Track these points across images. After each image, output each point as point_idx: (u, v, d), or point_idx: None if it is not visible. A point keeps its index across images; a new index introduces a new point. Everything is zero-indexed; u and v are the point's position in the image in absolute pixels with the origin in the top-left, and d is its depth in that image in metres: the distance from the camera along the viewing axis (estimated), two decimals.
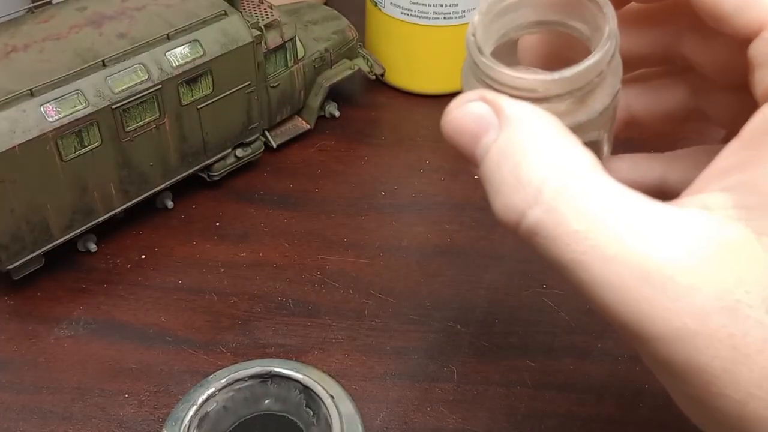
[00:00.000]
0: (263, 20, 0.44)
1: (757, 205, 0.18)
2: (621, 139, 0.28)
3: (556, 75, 0.21)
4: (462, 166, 0.23)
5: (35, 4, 0.40)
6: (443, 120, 0.22)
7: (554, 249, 0.19)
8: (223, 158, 0.45)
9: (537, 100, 0.21)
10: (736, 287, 0.18)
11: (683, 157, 0.23)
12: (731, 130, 0.22)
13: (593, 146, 0.24)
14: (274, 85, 0.45)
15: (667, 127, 0.28)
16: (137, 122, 0.39)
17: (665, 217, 0.19)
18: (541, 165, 0.20)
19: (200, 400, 0.27)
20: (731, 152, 0.20)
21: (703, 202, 0.19)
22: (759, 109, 0.19)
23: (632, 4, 0.25)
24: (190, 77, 0.40)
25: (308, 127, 0.49)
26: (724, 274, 0.18)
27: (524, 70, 0.25)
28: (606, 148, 0.25)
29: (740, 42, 0.20)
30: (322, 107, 0.49)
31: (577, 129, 0.22)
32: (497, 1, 0.24)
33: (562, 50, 0.24)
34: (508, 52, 0.25)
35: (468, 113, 0.21)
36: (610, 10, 0.22)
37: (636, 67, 0.27)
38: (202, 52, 0.40)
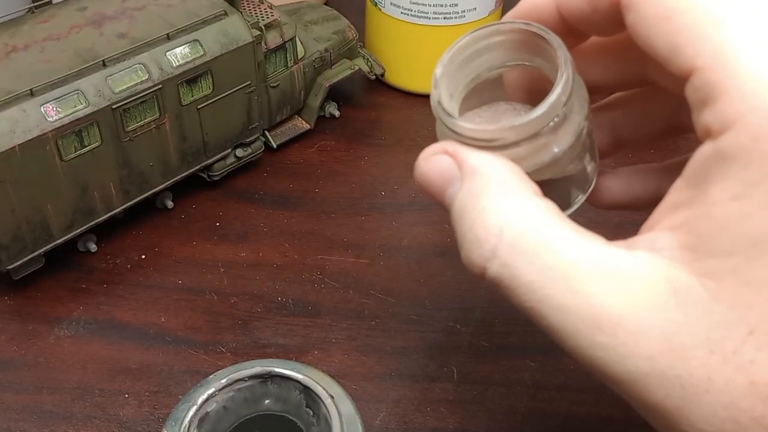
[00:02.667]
0: (263, 20, 0.44)
1: (698, 247, 0.19)
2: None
3: (507, 124, 0.22)
4: None
5: (35, 4, 0.41)
6: (414, 171, 0.24)
7: (514, 299, 0.21)
8: (223, 158, 0.45)
9: (497, 148, 0.22)
10: (680, 330, 0.19)
11: (678, 168, 0.24)
12: None
13: (573, 178, 0.25)
14: (274, 85, 0.45)
15: (656, 143, 0.28)
16: (137, 122, 0.39)
17: (614, 265, 0.20)
18: (496, 220, 0.21)
19: (200, 400, 0.27)
20: (678, 189, 0.21)
21: (651, 243, 0.20)
22: (698, 149, 0.20)
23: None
24: (191, 77, 0.40)
25: (308, 127, 0.49)
26: (669, 317, 0.19)
27: (497, 109, 0.26)
28: (591, 172, 0.26)
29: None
30: (322, 107, 0.49)
31: (545, 169, 0.23)
32: (459, 51, 0.24)
33: (544, 82, 0.25)
34: (492, 87, 0.26)
35: (433, 167, 0.23)
36: (563, 53, 0.22)
37: (613, 92, 0.28)
38: (202, 52, 0.40)
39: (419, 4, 0.49)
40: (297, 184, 0.46)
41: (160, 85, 0.38)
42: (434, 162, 0.23)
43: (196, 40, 0.40)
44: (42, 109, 0.35)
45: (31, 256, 0.38)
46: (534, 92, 0.25)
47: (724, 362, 0.18)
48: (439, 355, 0.37)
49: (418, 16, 0.49)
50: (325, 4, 0.56)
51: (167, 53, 0.39)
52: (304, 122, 0.49)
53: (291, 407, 0.28)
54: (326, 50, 0.49)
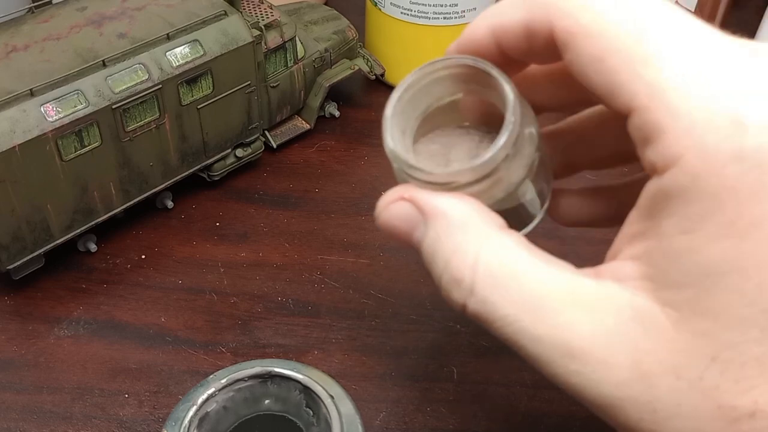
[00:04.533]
0: (263, 20, 0.44)
1: (657, 278, 0.20)
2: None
3: (458, 168, 0.22)
4: None
5: (35, 4, 0.41)
6: (376, 220, 0.24)
7: (494, 331, 0.22)
8: (223, 158, 0.45)
9: (453, 189, 0.23)
10: (648, 357, 0.19)
11: (634, 188, 0.24)
12: None
13: (529, 203, 0.25)
14: (274, 85, 0.45)
15: (609, 167, 0.29)
16: (137, 122, 0.39)
17: (583, 294, 0.21)
18: (469, 259, 0.22)
19: (200, 400, 0.27)
20: (634, 220, 0.21)
21: (616, 272, 0.21)
22: (647, 183, 0.20)
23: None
24: (190, 77, 0.40)
25: (308, 127, 0.49)
26: (637, 345, 0.20)
27: (451, 135, 0.26)
28: (546, 193, 0.26)
29: None
30: (322, 107, 0.49)
31: (501, 201, 0.23)
32: (407, 90, 0.24)
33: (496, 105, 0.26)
34: (445, 111, 0.26)
35: (394, 215, 0.24)
36: (509, 93, 0.22)
37: (565, 111, 0.28)
38: (202, 52, 0.40)
39: (419, 4, 0.49)
40: (297, 184, 0.46)
41: (160, 85, 0.38)
42: (394, 210, 0.24)
43: (196, 40, 0.40)
44: (42, 109, 0.35)
45: (31, 256, 0.38)
46: (486, 114, 0.26)
47: (691, 388, 0.19)
48: (439, 355, 0.37)
49: (418, 16, 0.49)
50: (325, 4, 0.56)
51: (167, 53, 0.39)
52: (304, 122, 0.49)
53: (291, 407, 0.28)
54: (326, 50, 0.49)
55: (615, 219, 0.25)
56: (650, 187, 0.20)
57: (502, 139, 0.22)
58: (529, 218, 0.26)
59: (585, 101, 0.27)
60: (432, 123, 0.26)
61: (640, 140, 0.20)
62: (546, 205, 0.27)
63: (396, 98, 0.24)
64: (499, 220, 0.23)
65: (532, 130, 0.24)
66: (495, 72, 0.23)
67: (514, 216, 0.25)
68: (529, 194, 0.25)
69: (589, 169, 0.30)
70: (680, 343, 0.19)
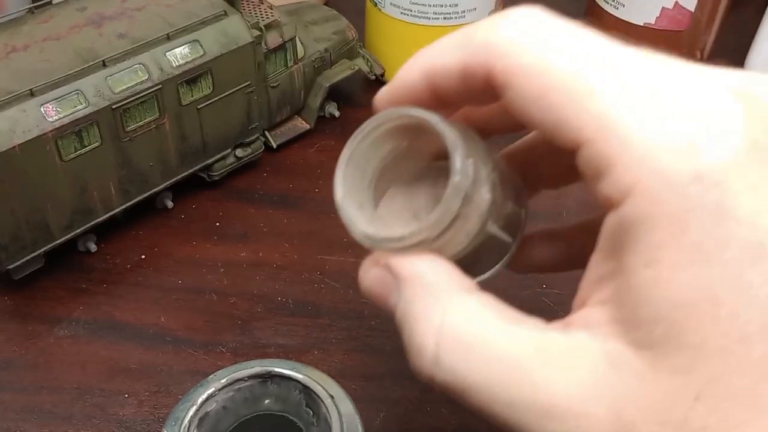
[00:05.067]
0: (263, 20, 0.44)
1: (627, 320, 0.19)
2: None
3: (406, 231, 0.22)
4: None
5: (35, 4, 0.40)
6: (359, 287, 0.24)
7: (465, 401, 0.20)
8: (223, 158, 0.45)
9: (415, 249, 0.22)
10: (627, 405, 0.18)
11: (588, 229, 0.24)
12: None
13: (495, 241, 0.25)
14: (274, 85, 0.45)
15: (570, 182, 0.28)
16: (137, 122, 0.39)
17: (553, 350, 0.20)
18: (432, 327, 0.21)
19: (200, 400, 0.27)
20: (597, 263, 0.20)
21: (585, 321, 0.20)
22: (603, 226, 0.20)
23: None
24: (190, 77, 0.40)
25: (308, 127, 0.49)
26: (613, 394, 0.19)
27: (412, 187, 0.25)
28: (521, 215, 0.26)
29: None
30: (322, 107, 0.49)
31: (465, 248, 0.23)
32: (348, 163, 0.24)
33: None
34: (398, 161, 0.25)
35: (372, 282, 0.23)
36: (451, 140, 0.22)
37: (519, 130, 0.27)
38: (202, 52, 0.40)
39: (419, 5, 0.49)
40: (297, 184, 0.46)
41: (160, 85, 0.38)
42: (372, 277, 0.23)
43: (196, 41, 0.40)
44: (42, 109, 0.35)
45: (30, 256, 0.38)
46: (442, 148, 0.25)
47: None
48: None
49: (418, 16, 0.49)
50: (325, 4, 0.56)
51: (167, 53, 0.39)
52: (304, 122, 0.49)
53: (291, 407, 0.28)
54: (326, 50, 0.49)
55: (575, 262, 0.24)
56: (609, 223, 0.20)
57: (447, 197, 0.21)
58: (506, 247, 0.26)
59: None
60: (388, 177, 0.25)
61: (592, 175, 0.19)
62: (523, 228, 0.26)
63: (341, 178, 0.24)
64: (467, 282, 0.22)
65: (484, 165, 0.23)
66: (434, 120, 0.22)
67: (490, 249, 0.25)
68: (498, 224, 0.24)
69: (548, 188, 0.29)
70: (659, 384, 0.18)
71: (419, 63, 0.23)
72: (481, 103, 0.24)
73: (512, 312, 0.21)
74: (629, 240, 0.19)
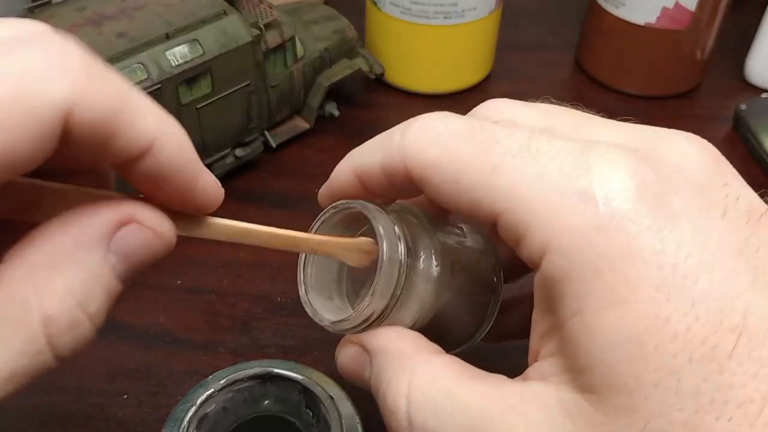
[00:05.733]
0: (263, 20, 0.44)
1: (572, 368, 0.20)
2: None
3: (353, 312, 0.24)
4: None
5: (35, 4, 0.40)
6: (338, 366, 0.26)
7: None
8: (223, 158, 0.44)
9: (374, 323, 0.24)
10: None
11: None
12: None
13: (464, 308, 0.27)
14: (274, 84, 0.45)
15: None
16: None
17: (514, 401, 0.21)
18: (402, 390, 0.22)
19: (199, 401, 0.27)
20: (538, 320, 0.22)
21: (540, 373, 0.21)
22: (534, 285, 0.21)
23: None
24: (190, 77, 0.40)
25: (308, 126, 0.49)
26: None
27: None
28: (493, 282, 0.27)
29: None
30: (321, 107, 0.49)
31: (427, 320, 0.25)
32: (306, 266, 0.26)
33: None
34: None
35: (347, 360, 0.25)
36: (375, 225, 0.23)
37: None
38: (201, 52, 0.40)
39: (419, 4, 0.49)
40: (296, 183, 0.46)
41: (159, 85, 0.38)
42: (346, 354, 0.25)
43: (196, 40, 0.40)
44: None
45: None
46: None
47: None
48: None
49: (417, 16, 0.49)
50: (325, 3, 0.56)
51: (166, 53, 0.39)
52: (303, 122, 0.49)
53: (290, 408, 0.28)
54: (326, 50, 0.48)
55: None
56: (537, 282, 0.21)
57: (378, 275, 0.23)
58: (477, 317, 0.27)
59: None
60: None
61: (514, 242, 0.21)
62: (494, 305, 0.27)
63: (301, 277, 0.26)
64: (432, 347, 0.24)
65: (428, 243, 0.25)
66: (362, 206, 0.24)
67: (456, 319, 0.26)
68: (457, 294, 0.26)
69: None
70: (607, 426, 0.19)
71: (348, 163, 0.25)
72: (410, 196, 0.26)
73: (475, 370, 0.23)
74: (555, 294, 0.20)
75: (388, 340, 0.24)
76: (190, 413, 0.27)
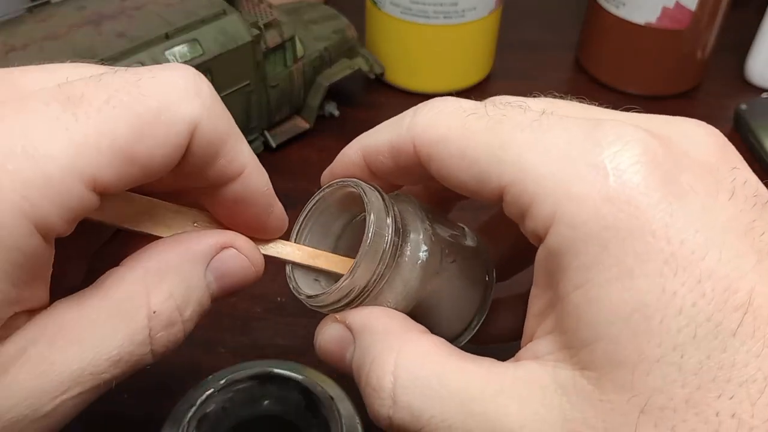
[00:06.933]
0: (262, 19, 0.43)
1: (570, 344, 0.20)
2: None
3: (333, 287, 0.23)
4: None
5: (34, 3, 0.40)
6: (315, 347, 0.26)
7: None
8: None
9: (359, 299, 0.24)
10: (579, 426, 0.19)
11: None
12: None
13: (456, 300, 0.26)
14: (274, 84, 0.45)
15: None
16: None
17: (505, 381, 0.20)
18: (388, 367, 0.22)
19: (199, 401, 0.27)
20: (536, 297, 0.22)
21: (534, 352, 0.21)
22: (536, 259, 0.21)
23: None
24: None
25: (308, 126, 0.49)
26: (565, 416, 0.19)
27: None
28: (474, 294, 0.27)
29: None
30: (321, 106, 0.49)
31: (413, 304, 0.24)
32: (299, 232, 0.26)
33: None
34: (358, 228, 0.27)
35: (328, 338, 0.25)
36: (365, 201, 0.23)
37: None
38: (201, 52, 0.40)
39: (419, 4, 0.49)
40: (297, 183, 0.46)
41: None
42: (327, 332, 0.25)
43: (195, 40, 0.39)
44: None
45: None
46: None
47: None
48: None
49: (417, 16, 0.49)
50: (325, 3, 0.56)
51: (166, 52, 0.39)
52: (303, 121, 0.49)
53: (290, 408, 0.28)
54: (326, 49, 0.48)
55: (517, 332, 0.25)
56: (539, 256, 0.21)
57: (361, 251, 0.23)
58: (466, 312, 0.27)
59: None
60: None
61: (518, 215, 0.21)
62: (485, 303, 0.27)
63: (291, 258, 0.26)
64: (420, 327, 0.23)
65: (417, 227, 0.24)
66: (356, 184, 0.24)
67: (443, 309, 0.26)
68: (446, 283, 0.25)
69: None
70: (606, 403, 0.19)
71: (356, 143, 0.25)
72: (414, 181, 0.26)
73: (464, 353, 0.22)
74: (558, 267, 0.20)
75: (374, 318, 0.23)
76: (190, 413, 0.27)
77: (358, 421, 0.27)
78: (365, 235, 0.23)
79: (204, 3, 0.41)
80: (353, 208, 0.26)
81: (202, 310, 0.23)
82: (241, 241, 0.24)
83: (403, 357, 0.22)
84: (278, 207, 0.25)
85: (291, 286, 0.25)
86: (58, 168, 0.18)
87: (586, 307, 0.19)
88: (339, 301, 0.24)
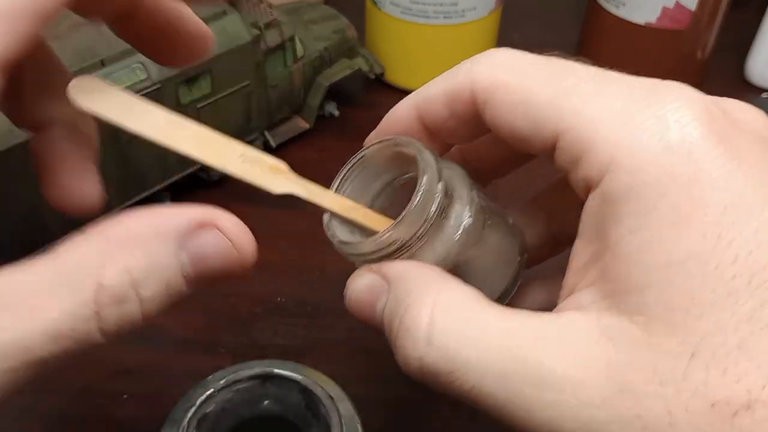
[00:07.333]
0: (262, 19, 0.43)
1: (617, 291, 0.20)
2: None
3: (384, 232, 0.23)
4: None
5: None
6: (345, 298, 0.25)
7: (454, 383, 0.20)
8: None
9: (399, 252, 0.23)
10: (626, 370, 0.19)
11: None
12: None
13: (493, 265, 0.26)
14: (274, 84, 0.45)
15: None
16: None
17: (547, 327, 0.20)
18: (425, 311, 0.21)
19: (199, 401, 0.27)
20: (580, 250, 0.22)
21: (576, 304, 0.21)
22: (584, 208, 0.21)
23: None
24: (190, 77, 0.40)
25: (308, 126, 0.49)
26: (611, 359, 0.19)
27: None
28: (510, 260, 0.27)
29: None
30: (321, 107, 0.49)
31: (455, 257, 0.24)
32: (341, 184, 0.26)
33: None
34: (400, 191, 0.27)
35: (361, 287, 0.24)
36: (418, 156, 0.23)
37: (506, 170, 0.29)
38: None
39: (419, 3, 0.49)
40: None
41: (159, 85, 0.38)
42: (360, 281, 0.24)
43: None
44: None
45: (29, 255, 0.38)
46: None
47: (678, 391, 0.18)
48: None
49: (417, 15, 0.49)
50: (325, 3, 0.56)
51: None
52: (303, 122, 0.49)
53: (290, 408, 0.28)
54: (326, 49, 0.48)
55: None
56: (590, 205, 0.21)
57: (413, 202, 0.23)
58: (499, 282, 0.27)
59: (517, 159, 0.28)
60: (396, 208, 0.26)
61: (570, 163, 0.21)
62: (518, 275, 0.27)
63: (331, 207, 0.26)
64: (457, 279, 0.23)
65: (461, 189, 0.24)
66: (409, 141, 0.24)
67: (477, 275, 0.25)
68: (482, 250, 0.25)
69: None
70: (655, 347, 0.19)
71: (410, 97, 0.25)
72: (465, 136, 0.25)
73: (501, 306, 0.22)
74: (612, 214, 0.20)
75: (411, 267, 0.23)
76: (189, 413, 0.27)
77: (358, 421, 0.27)
78: (416, 190, 0.23)
79: (204, 3, 0.41)
80: (395, 170, 0.26)
81: (172, 293, 0.21)
82: (226, 220, 0.21)
83: (441, 299, 0.21)
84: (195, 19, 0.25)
85: (328, 234, 0.25)
86: None
87: (639, 252, 0.19)
88: (376, 252, 0.23)
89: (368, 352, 0.37)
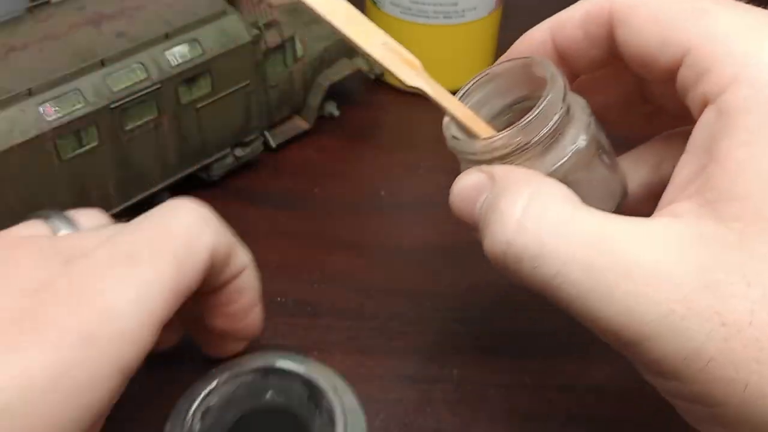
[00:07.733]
0: (262, 19, 0.43)
1: (717, 199, 0.20)
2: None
3: (513, 129, 0.24)
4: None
5: (34, 3, 0.40)
6: (450, 194, 0.25)
7: (541, 269, 0.21)
8: (222, 158, 0.44)
9: (513, 155, 0.24)
10: (714, 268, 0.19)
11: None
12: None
13: (601, 183, 0.26)
14: (274, 84, 0.45)
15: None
16: (136, 122, 0.38)
17: (639, 226, 0.21)
18: (521, 200, 0.22)
19: (203, 394, 0.27)
20: (685, 165, 0.22)
21: (672, 212, 0.21)
22: (697, 123, 0.22)
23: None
24: (189, 76, 0.40)
25: (307, 126, 0.49)
26: (700, 258, 0.19)
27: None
28: (615, 181, 0.27)
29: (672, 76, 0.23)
30: (321, 107, 0.49)
31: (565, 170, 0.25)
32: (464, 97, 0.27)
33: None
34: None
35: (467, 182, 0.25)
36: (551, 69, 0.24)
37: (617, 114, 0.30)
38: (201, 52, 0.40)
39: (419, 3, 0.49)
40: (297, 184, 0.46)
41: (159, 85, 0.38)
42: (468, 176, 0.25)
43: (195, 40, 0.40)
44: (40, 108, 0.35)
45: None
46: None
47: (765, 294, 0.18)
48: (439, 355, 0.36)
49: (417, 15, 0.49)
50: None
51: (166, 52, 0.39)
52: (303, 122, 0.49)
53: (293, 400, 0.28)
54: (326, 49, 0.48)
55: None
56: (704, 120, 0.21)
57: (546, 98, 0.24)
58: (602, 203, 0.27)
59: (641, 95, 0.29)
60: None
61: (693, 79, 0.22)
62: (622, 195, 0.27)
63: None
64: (554, 181, 0.23)
65: (582, 113, 0.25)
66: (541, 59, 0.25)
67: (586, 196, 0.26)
68: (594, 172, 0.25)
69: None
70: (748, 251, 0.19)
71: (548, 20, 0.27)
72: (594, 60, 0.26)
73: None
74: (726, 127, 0.20)
75: (518, 169, 0.24)
76: (194, 406, 0.27)
77: (361, 412, 0.27)
78: (541, 99, 0.23)
79: (203, 3, 0.41)
80: (518, 91, 0.27)
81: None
82: None
83: (539, 192, 0.22)
84: (260, 306, 0.30)
85: (448, 134, 0.26)
86: (138, 325, 0.22)
87: (747, 162, 0.19)
88: (489, 152, 0.24)
89: (368, 351, 0.37)
